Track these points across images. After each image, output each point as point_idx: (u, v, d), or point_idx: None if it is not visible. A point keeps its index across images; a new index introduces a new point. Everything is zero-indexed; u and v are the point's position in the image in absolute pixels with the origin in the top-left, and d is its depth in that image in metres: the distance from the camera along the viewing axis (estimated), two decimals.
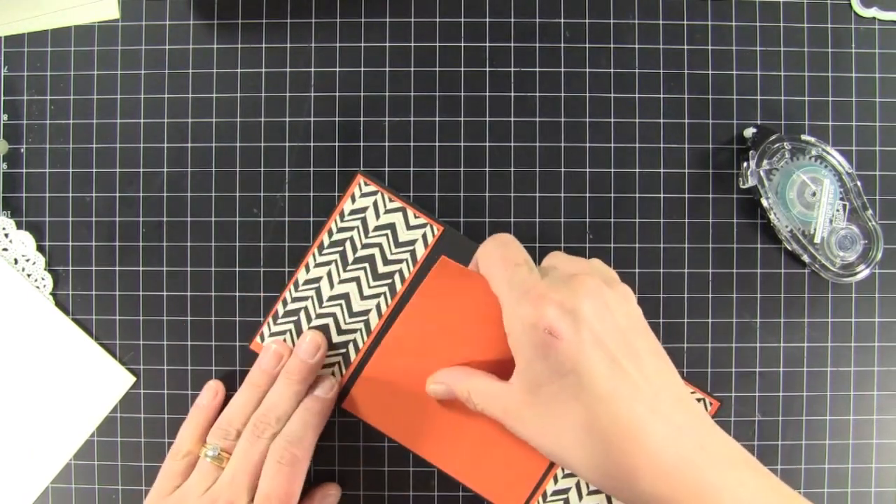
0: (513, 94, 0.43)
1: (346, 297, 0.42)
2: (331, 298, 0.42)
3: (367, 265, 0.42)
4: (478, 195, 0.43)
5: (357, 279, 0.42)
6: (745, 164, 0.41)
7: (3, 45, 0.43)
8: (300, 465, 0.38)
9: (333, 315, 0.42)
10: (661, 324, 0.42)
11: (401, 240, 0.42)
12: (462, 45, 0.43)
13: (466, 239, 0.42)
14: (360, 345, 0.42)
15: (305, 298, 0.42)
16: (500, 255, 0.36)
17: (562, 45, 0.43)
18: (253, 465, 0.38)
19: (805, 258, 0.41)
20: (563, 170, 0.43)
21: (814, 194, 0.41)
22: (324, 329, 0.42)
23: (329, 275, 0.42)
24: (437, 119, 0.43)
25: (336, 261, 0.42)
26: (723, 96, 0.43)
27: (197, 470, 0.39)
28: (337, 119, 0.43)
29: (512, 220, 0.43)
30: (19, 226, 0.43)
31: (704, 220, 0.43)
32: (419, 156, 0.43)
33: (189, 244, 0.43)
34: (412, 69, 0.43)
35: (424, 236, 0.42)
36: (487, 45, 0.43)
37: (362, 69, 0.43)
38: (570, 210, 0.43)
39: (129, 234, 0.43)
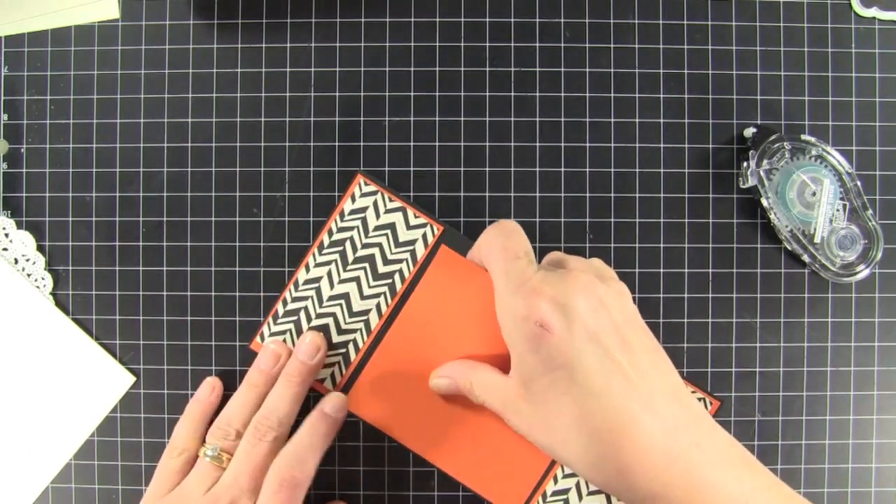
0: (513, 93, 0.43)
1: (346, 296, 0.42)
2: (331, 298, 0.42)
3: (367, 265, 0.42)
4: (478, 195, 0.43)
5: (357, 279, 0.42)
6: (745, 163, 0.41)
7: (3, 45, 0.43)
8: (300, 490, 0.37)
9: (333, 315, 0.42)
10: (661, 324, 0.42)
11: (401, 240, 0.42)
12: (462, 45, 0.43)
13: (466, 239, 0.42)
14: (360, 345, 0.42)
15: (305, 298, 0.42)
16: (500, 244, 0.36)
17: (562, 44, 0.43)
18: (255, 468, 0.38)
19: (805, 258, 0.41)
20: (563, 170, 0.43)
21: (814, 194, 0.41)
22: (324, 329, 0.42)
23: (329, 275, 0.42)
24: (437, 119, 0.43)
25: (336, 261, 0.42)
26: (723, 96, 0.43)
27: (196, 469, 0.39)
28: (337, 119, 0.43)
29: (512, 219, 0.43)
30: (19, 226, 0.43)
31: (704, 220, 0.43)
32: (419, 156, 0.43)
33: (189, 244, 0.43)
34: (412, 69, 0.43)
35: (424, 236, 0.42)
36: (487, 45, 0.43)
37: (362, 69, 0.43)
38: (570, 210, 0.43)
39: (129, 234, 0.43)
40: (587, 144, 0.43)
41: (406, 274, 0.42)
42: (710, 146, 0.43)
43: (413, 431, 0.42)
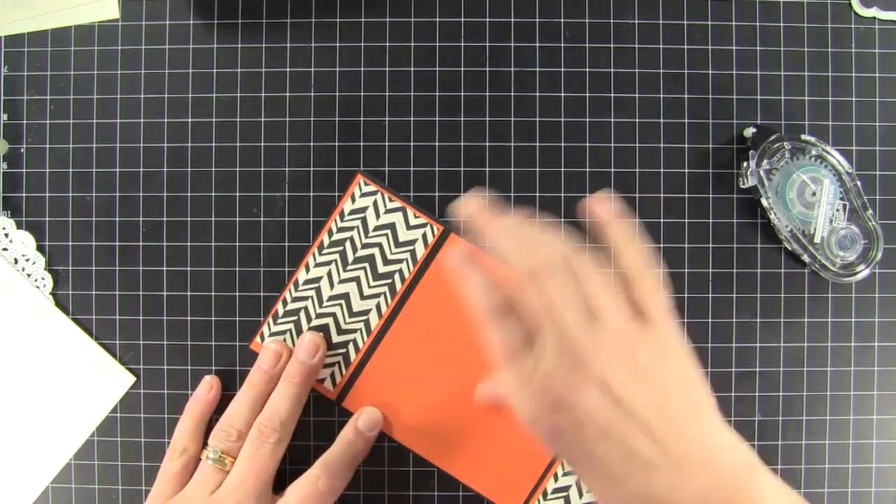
0: (513, 93, 0.43)
1: (346, 296, 0.42)
2: (331, 298, 0.42)
3: (367, 265, 0.42)
4: None
5: (357, 279, 0.42)
6: (745, 163, 0.41)
7: (3, 45, 0.43)
8: (332, 496, 0.39)
9: (333, 315, 0.42)
10: None
11: (401, 240, 0.42)
12: (462, 45, 0.43)
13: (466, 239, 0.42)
14: (360, 345, 0.42)
15: (305, 298, 0.42)
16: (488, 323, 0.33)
17: (562, 45, 0.43)
18: (259, 470, 0.38)
19: (805, 258, 0.41)
20: (563, 170, 0.43)
21: (814, 194, 0.41)
22: (324, 329, 0.42)
23: (329, 275, 0.42)
24: (437, 119, 0.43)
25: (336, 261, 0.42)
26: (723, 96, 0.43)
27: (199, 472, 0.39)
28: (337, 119, 0.43)
29: None
30: (19, 226, 0.43)
31: (704, 220, 0.43)
32: (419, 156, 0.43)
33: (189, 244, 0.43)
34: (412, 69, 0.43)
35: (424, 236, 0.42)
36: (487, 45, 0.43)
37: (362, 69, 0.43)
38: (571, 210, 0.43)
39: (129, 234, 0.43)
40: (587, 144, 0.43)
41: (406, 274, 0.42)
42: (710, 146, 0.43)
43: (413, 431, 0.42)
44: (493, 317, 0.33)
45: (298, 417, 0.40)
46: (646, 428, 0.31)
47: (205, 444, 0.40)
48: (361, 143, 0.43)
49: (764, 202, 0.41)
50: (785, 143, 0.41)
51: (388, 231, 0.42)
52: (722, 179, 0.43)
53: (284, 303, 0.42)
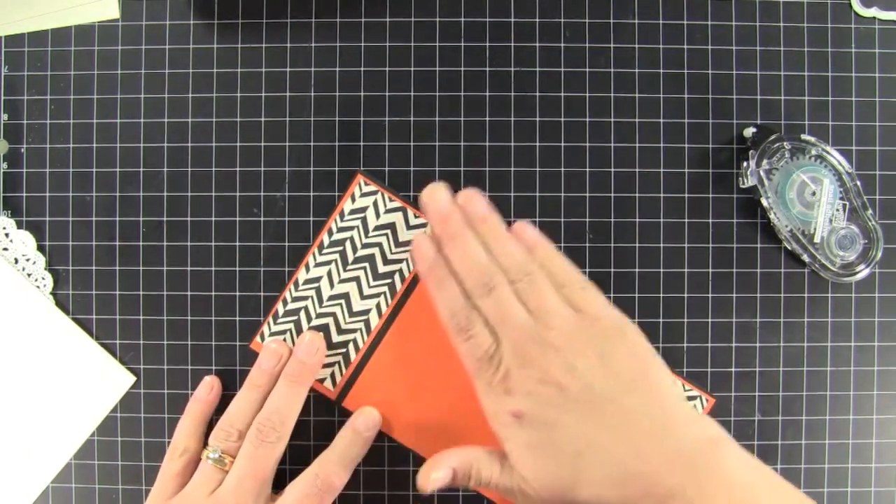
0: (513, 93, 0.43)
1: (346, 296, 0.42)
2: (331, 298, 0.42)
3: (367, 265, 0.42)
4: None
5: (357, 279, 0.42)
6: (745, 163, 0.41)
7: (3, 45, 0.43)
8: (330, 496, 0.39)
9: (333, 315, 0.42)
10: (661, 323, 0.42)
11: (401, 239, 0.42)
12: (462, 45, 0.43)
13: None
14: (360, 345, 0.42)
15: (305, 298, 0.42)
16: (458, 346, 0.37)
17: (562, 44, 0.43)
18: (259, 469, 0.38)
19: (805, 258, 0.41)
20: (562, 170, 0.43)
21: (814, 194, 0.41)
22: (324, 329, 0.42)
23: (329, 274, 0.42)
24: (437, 119, 0.43)
25: (336, 260, 0.42)
26: (723, 96, 0.43)
27: (199, 471, 0.39)
28: (337, 119, 0.43)
29: (512, 219, 0.43)
30: (19, 225, 0.43)
31: (704, 220, 0.43)
32: (419, 156, 0.43)
33: (189, 244, 0.43)
34: (412, 69, 0.43)
35: None
36: (487, 45, 0.43)
37: (362, 69, 0.43)
38: (570, 210, 0.43)
39: (129, 233, 0.43)
40: (587, 144, 0.43)
41: (406, 274, 0.42)
42: (710, 146, 0.43)
43: (413, 431, 0.42)
44: (456, 337, 0.37)
45: (298, 417, 0.40)
46: (598, 411, 0.34)
47: (205, 445, 0.40)
48: (361, 143, 0.43)
49: (764, 202, 0.41)
50: (785, 143, 0.41)
51: (388, 231, 0.42)
52: (722, 179, 0.43)
53: (284, 303, 0.42)
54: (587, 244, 0.43)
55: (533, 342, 0.35)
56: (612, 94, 0.43)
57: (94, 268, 0.43)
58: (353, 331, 0.42)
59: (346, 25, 0.43)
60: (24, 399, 0.43)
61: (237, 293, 0.43)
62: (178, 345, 0.43)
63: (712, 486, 0.32)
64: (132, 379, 0.43)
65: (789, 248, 0.42)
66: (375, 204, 0.42)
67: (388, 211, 0.42)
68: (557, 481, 0.34)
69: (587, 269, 0.42)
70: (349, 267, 0.42)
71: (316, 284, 0.42)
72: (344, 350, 0.42)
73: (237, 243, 0.43)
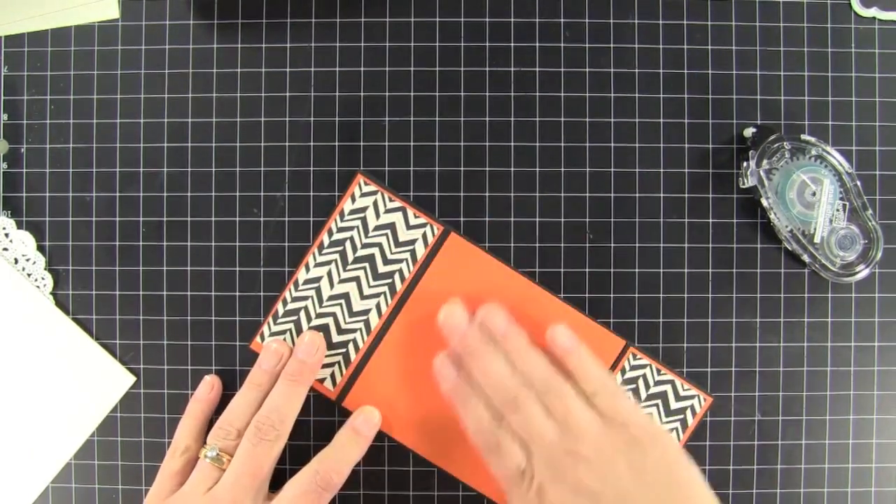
0: (513, 93, 0.43)
1: (346, 296, 0.42)
2: (331, 298, 0.42)
3: (367, 265, 0.42)
4: (478, 195, 0.43)
5: (357, 279, 0.42)
6: (745, 163, 0.41)
7: (3, 45, 0.43)
8: (329, 494, 0.39)
9: (333, 315, 0.42)
10: (661, 324, 0.42)
11: (401, 239, 0.42)
12: (462, 45, 0.43)
13: (466, 239, 0.42)
14: (360, 345, 0.42)
15: (305, 298, 0.42)
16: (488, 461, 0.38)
17: (562, 44, 0.43)
18: (256, 467, 0.38)
19: (805, 258, 0.41)
20: (562, 170, 0.43)
21: (814, 194, 0.41)
22: (324, 329, 0.42)
23: (329, 274, 0.42)
24: (437, 119, 0.43)
25: (336, 260, 0.42)
26: (723, 96, 0.43)
27: (197, 470, 0.39)
28: (337, 119, 0.43)
29: (512, 219, 0.43)
30: (19, 225, 0.43)
31: (704, 220, 0.43)
32: (419, 156, 0.43)
33: (189, 244, 0.43)
34: (412, 69, 0.43)
35: (424, 236, 0.42)
36: (487, 45, 0.43)
37: (362, 69, 0.43)
38: (570, 210, 0.43)
39: (129, 234, 0.43)
40: (587, 144, 0.43)
41: (406, 274, 0.42)
42: (710, 146, 0.43)
43: (413, 431, 0.42)
44: (486, 454, 0.37)
45: (298, 417, 0.40)
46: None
47: (205, 443, 0.40)
48: (361, 143, 0.43)
49: (764, 202, 0.41)
50: (785, 143, 0.41)
51: (388, 231, 0.42)
52: (722, 179, 0.43)
53: (284, 303, 0.42)
54: (587, 244, 0.43)
55: (564, 455, 0.35)
56: (612, 94, 0.43)
57: (94, 268, 0.43)
58: (353, 331, 0.42)
59: (346, 25, 0.43)
60: (24, 399, 0.43)
61: (237, 293, 0.43)
62: (178, 345, 0.43)
63: None
64: (132, 379, 0.43)
65: (789, 248, 0.42)
66: (375, 204, 0.42)
67: (388, 211, 0.42)
68: None
69: (587, 269, 0.43)
70: (349, 267, 0.42)
71: (316, 284, 0.42)
72: (344, 350, 0.42)
73: (237, 243, 0.43)
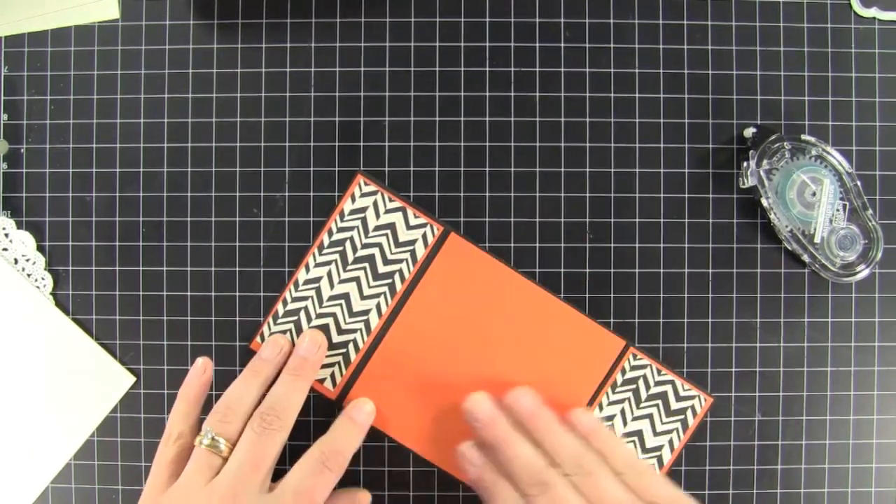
0: (513, 93, 0.43)
1: (346, 296, 0.42)
2: (331, 298, 0.42)
3: (367, 265, 0.42)
4: (478, 195, 0.43)
5: (357, 279, 0.42)
6: (745, 163, 0.41)
7: (3, 45, 0.43)
8: (334, 476, 0.38)
9: (333, 315, 0.42)
10: (661, 324, 0.42)
11: (401, 240, 0.42)
12: (462, 45, 0.43)
13: (466, 239, 0.42)
14: (360, 345, 0.42)
15: (305, 298, 0.42)
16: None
17: (562, 45, 0.43)
18: (260, 456, 0.37)
19: (805, 258, 0.41)
20: (562, 170, 0.43)
21: (814, 194, 0.41)
22: (324, 329, 0.42)
23: (329, 275, 0.42)
24: (437, 119, 0.43)
25: (336, 261, 0.42)
26: (723, 96, 0.43)
27: (193, 459, 0.37)
28: (337, 119, 0.43)
29: (512, 219, 0.43)
30: (19, 226, 0.43)
31: (704, 220, 0.43)
32: (419, 156, 0.43)
33: (189, 244, 0.43)
34: (412, 69, 0.43)
35: (424, 236, 0.42)
36: (487, 45, 0.43)
37: (362, 69, 0.43)
38: (570, 210, 0.43)
39: (129, 234, 0.43)
40: (587, 144, 0.43)
41: (406, 274, 0.42)
42: (710, 146, 0.43)
43: (413, 431, 0.42)
44: None
45: (298, 414, 0.40)
46: None
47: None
48: (361, 143, 0.43)
49: (764, 202, 0.41)
50: (785, 143, 0.41)
51: (388, 231, 0.42)
52: (722, 179, 0.43)
53: (284, 303, 0.42)
54: (587, 244, 0.43)
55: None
56: (612, 94, 0.43)
57: (93, 268, 0.43)
58: (353, 331, 0.42)
59: (346, 25, 0.43)
60: (24, 399, 0.43)
61: (237, 293, 0.43)
62: (178, 345, 0.43)
63: None
64: (132, 379, 0.43)
65: (789, 248, 0.42)
66: (375, 204, 0.42)
67: (388, 211, 0.42)
68: None
69: (587, 270, 0.43)
70: (349, 267, 0.42)
71: (316, 285, 0.42)
72: (344, 350, 0.42)
73: (237, 243, 0.43)
